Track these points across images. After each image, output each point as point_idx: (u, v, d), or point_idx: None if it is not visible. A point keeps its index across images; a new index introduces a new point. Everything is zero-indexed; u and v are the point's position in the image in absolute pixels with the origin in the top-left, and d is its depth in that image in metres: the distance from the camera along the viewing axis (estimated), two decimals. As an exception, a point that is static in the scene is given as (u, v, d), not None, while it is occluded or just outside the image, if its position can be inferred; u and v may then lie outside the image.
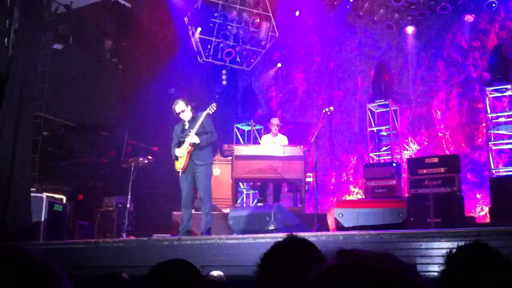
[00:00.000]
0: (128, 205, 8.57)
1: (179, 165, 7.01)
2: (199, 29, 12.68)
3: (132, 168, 8.44)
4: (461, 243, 1.96)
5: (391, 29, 12.02)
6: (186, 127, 7.13)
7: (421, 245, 4.61)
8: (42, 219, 8.05)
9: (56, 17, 10.01)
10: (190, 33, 12.65)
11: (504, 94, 10.05)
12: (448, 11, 11.17)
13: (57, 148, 10.21)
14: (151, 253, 5.95)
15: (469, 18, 11.10)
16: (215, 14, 12.54)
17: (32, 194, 8.09)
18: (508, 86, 9.86)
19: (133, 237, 8.41)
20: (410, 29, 11.75)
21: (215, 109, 7.13)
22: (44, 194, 8.30)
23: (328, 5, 12.43)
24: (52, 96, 9.71)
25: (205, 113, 7.06)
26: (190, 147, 6.92)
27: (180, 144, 7.08)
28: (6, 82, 8.07)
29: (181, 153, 6.98)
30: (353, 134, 12.34)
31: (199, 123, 6.99)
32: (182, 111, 7.06)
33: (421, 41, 11.80)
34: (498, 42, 10.54)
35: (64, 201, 9.11)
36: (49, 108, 9.69)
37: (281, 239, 1.96)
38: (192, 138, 6.91)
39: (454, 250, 1.83)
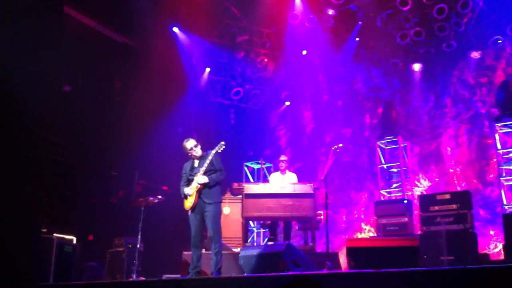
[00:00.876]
0: (138, 245, 8.52)
1: (188, 204, 7.00)
2: (207, 69, 12.85)
3: (142, 208, 8.43)
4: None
5: (398, 67, 12.14)
6: (196, 165, 7.16)
7: (434, 283, 4.53)
8: (52, 260, 8.00)
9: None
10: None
11: (514, 129, 10.05)
12: (454, 48, 11.30)
13: (66, 189, 10.23)
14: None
15: (475, 54, 11.21)
16: (223, 55, 12.75)
17: (43, 235, 8.08)
18: (517, 121, 9.87)
19: (143, 278, 8.35)
20: (416, 67, 11.87)
21: (224, 147, 7.17)
22: (54, 235, 8.28)
23: (335, 44, 12.60)
24: (60, 136, 9.79)
25: (214, 151, 7.10)
26: (199, 186, 6.94)
27: (189, 182, 7.10)
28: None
29: (190, 191, 6.99)
30: (362, 171, 12.33)
31: (208, 161, 7.02)
32: (195, 146, 7.11)
33: (428, 78, 11.90)
34: (505, 78, 10.59)
35: (74, 241, 9.08)
36: (59, 149, 9.77)
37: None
38: (201, 178, 6.94)
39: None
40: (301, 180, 9.63)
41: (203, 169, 7.00)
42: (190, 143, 7.15)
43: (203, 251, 7.34)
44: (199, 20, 12.44)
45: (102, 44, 11.42)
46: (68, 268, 8.46)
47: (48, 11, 9.14)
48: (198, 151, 7.16)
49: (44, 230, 8.31)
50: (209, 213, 6.93)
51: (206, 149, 7.31)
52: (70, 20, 10.58)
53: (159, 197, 8.72)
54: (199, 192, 6.98)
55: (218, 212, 7.08)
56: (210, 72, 12.92)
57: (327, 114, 13.18)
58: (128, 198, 10.30)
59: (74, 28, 10.68)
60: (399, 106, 12.07)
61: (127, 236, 9.63)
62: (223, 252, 7.15)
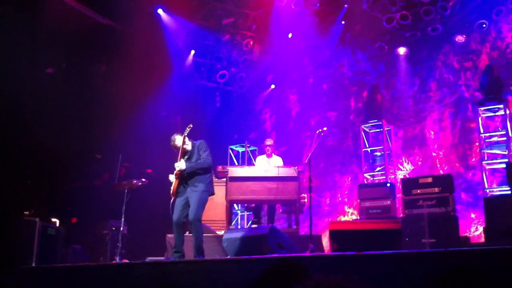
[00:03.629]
0: (121, 228, 8.51)
1: (171, 190, 7.03)
2: (192, 51, 12.75)
3: (126, 191, 8.40)
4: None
5: (383, 50, 12.13)
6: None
7: (416, 266, 4.58)
8: (35, 243, 7.96)
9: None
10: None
11: (497, 113, 10.11)
12: (439, 32, 11.31)
13: (50, 172, 10.15)
14: (145, 277, 5.90)
15: (460, 38, 11.22)
16: (209, 37, 12.65)
17: (25, 218, 8.03)
18: (501, 106, 9.93)
19: (126, 261, 8.35)
20: (402, 50, 11.86)
21: (189, 129, 7.06)
22: (37, 218, 8.23)
23: (321, 27, 12.55)
24: (44, 120, 9.70)
25: (183, 138, 7.02)
26: (177, 172, 6.95)
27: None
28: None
29: (172, 178, 7.02)
30: (347, 155, 12.37)
31: (194, 150, 7.06)
32: (184, 144, 7.06)
33: (413, 61, 11.90)
34: (490, 62, 10.64)
35: (58, 224, 9.04)
36: (42, 132, 9.67)
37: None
38: (179, 164, 6.94)
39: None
40: (286, 163, 9.65)
41: (186, 157, 7.03)
42: (179, 141, 7.08)
43: (187, 233, 7.33)
44: (184, 2, 12.31)
45: (86, 26, 11.26)
46: (53, 251, 8.43)
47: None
48: (188, 144, 7.14)
49: (27, 213, 8.26)
50: (192, 199, 6.91)
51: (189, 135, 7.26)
52: (52, 1, 10.41)
53: (143, 180, 8.69)
54: (184, 179, 6.97)
55: (202, 199, 6.95)
56: (195, 54, 12.82)
57: (313, 98, 13.16)
58: (112, 180, 10.26)
59: (57, 10, 10.52)
60: (384, 90, 12.09)
61: (112, 219, 9.61)
62: (207, 234, 7.16)
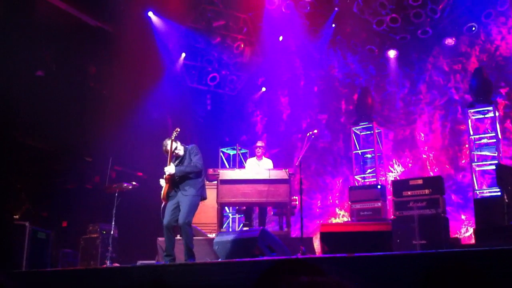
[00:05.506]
0: (112, 232, 8.47)
1: (162, 194, 6.99)
2: (183, 54, 12.74)
3: (116, 194, 8.37)
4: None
5: (373, 53, 12.18)
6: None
7: (406, 267, 4.59)
8: (25, 247, 7.91)
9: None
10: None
11: (486, 115, 10.18)
12: (429, 35, 11.37)
13: (40, 175, 10.10)
14: (136, 281, 5.86)
15: (450, 41, 11.29)
16: (199, 40, 12.64)
17: (15, 222, 7.97)
18: (490, 108, 10.00)
19: (117, 264, 8.31)
20: (392, 53, 11.92)
21: (176, 133, 7.02)
22: (27, 222, 8.17)
23: (311, 30, 12.58)
24: (35, 122, 9.65)
25: (171, 142, 6.97)
26: (167, 176, 6.90)
27: None
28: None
29: (162, 182, 6.98)
30: (338, 157, 12.41)
31: (177, 154, 7.02)
32: (176, 149, 7.02)
33: (403, 64, 11.97)
34: (479, 65, 10.72)
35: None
36: (32, 135, 9.63)
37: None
38: (168, 168, 6.89)
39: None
40: (277, 166, 9.65)
41: (178, 161, 7.00)
42: (171, 146, 7.03)
43: (178, 237, 7.30)
44: (175, 5, 12.30)
45: (76, 29, 11.23)
46: (43, 255, 8.37)
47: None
48: (181, 149, 7.09)
49: (16, 216, 8.21)
50: (183, 203, 6.86)
51: (181, 137, 7.23)
52: (42, 3, 10.37)
53: (133, 183, 8.65)
54: (175, 183, 6.92)
55: (193, 204, 6.90)
56: (186, 57, 12.81)
57: (304, 100, 13.19)
58: (103, 183, 10.22)
59: (47, 12, 10.48)
60: (375, 92, 12.14)
61: (102, 222, 9.57)
62: (198, 238, 7.13)
